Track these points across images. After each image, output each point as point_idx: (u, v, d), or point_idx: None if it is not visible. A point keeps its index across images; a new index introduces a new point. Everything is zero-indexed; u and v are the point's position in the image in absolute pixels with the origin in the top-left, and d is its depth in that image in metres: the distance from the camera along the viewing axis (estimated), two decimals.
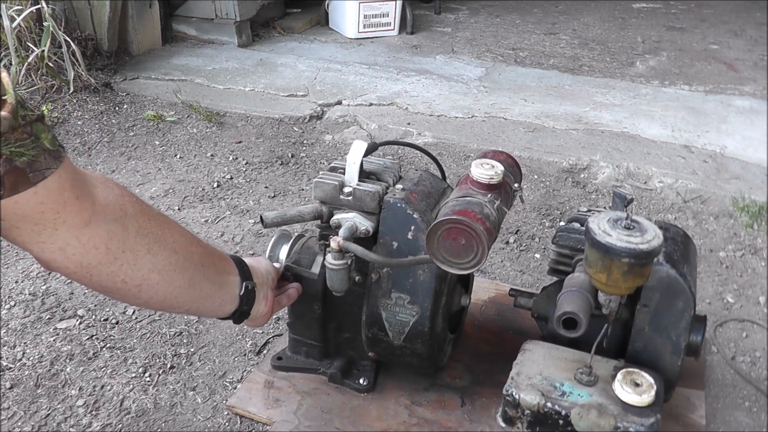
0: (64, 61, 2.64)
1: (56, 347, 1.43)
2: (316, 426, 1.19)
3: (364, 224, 1.11)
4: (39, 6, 2.56)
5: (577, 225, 1.15)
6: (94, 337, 1.45)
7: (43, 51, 2.54)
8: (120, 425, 1.24)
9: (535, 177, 2.17)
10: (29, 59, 2.54)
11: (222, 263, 1.03)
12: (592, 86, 2.93)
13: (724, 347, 1.46)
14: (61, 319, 1.51)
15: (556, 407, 0.98)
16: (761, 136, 2.41)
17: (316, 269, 1.18)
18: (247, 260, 1.10)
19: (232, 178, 2.16)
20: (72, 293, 1.59)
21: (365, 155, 1.14)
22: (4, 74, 0.69)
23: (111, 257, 0.82)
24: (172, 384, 1.34)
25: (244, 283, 1.05)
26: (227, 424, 1.24)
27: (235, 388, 1.31)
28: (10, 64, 2.51)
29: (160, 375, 1.36)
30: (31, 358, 1.40)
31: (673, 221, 1.91)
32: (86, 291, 1.59)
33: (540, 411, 0.99)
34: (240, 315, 1.07)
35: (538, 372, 1.03)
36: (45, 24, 2.55)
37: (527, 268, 1.73)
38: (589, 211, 1.17)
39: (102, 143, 2.40)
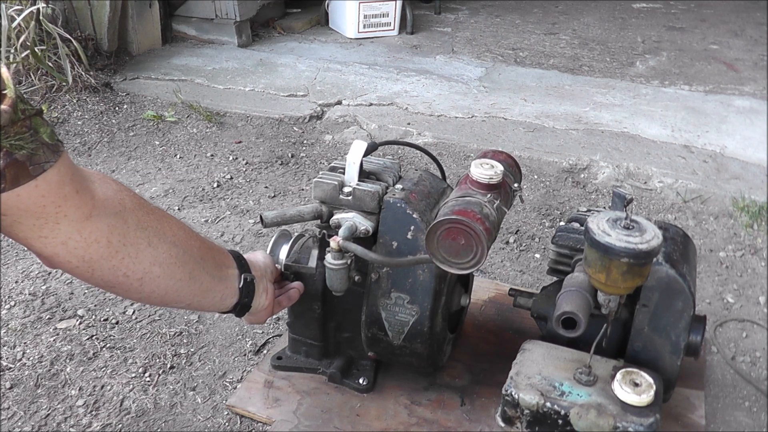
0: (63, 60, 2.64)
1: (56, 347, 1.43)
2: (316, 425, 1.19)
3: (364, 224, 1.11)
4: (38, 6, 2.56)
5: (576, 225, 1.15)
6: (94, 337, 1.46)
7: (41, 50, 2.54)
8: (120, 425, 1.24)
9: (535, 177, 2.17)
10: (26, 57, 2.54)
11: (220, 257, 1.03)
12: (592, 86, 2.93)
13: (724, 347, 1.46)
14: (61, 319, 1.51)
15: (555, 407, 0.98)
16: (761, 136, 2.41)
17: (312, 263, 1.18)
18: (245, 255, 1.10)
19: (232, 178, 2.16)
20: (72, 293, 1.59)
21: (365, 155, 1.14)
22: (4, 69, 0.70)
23: (112, 251, 0.82)
24: (172, 384, 1.34)
25: (242, 276, 1.05)
26: (227, 423, 1.24)
27: (235, 387, 1.31)
28: (8, 62, 2.51)
29: (160, 375, 1.36)
30: (31, 358, 1.40)
31: (673, 221, 1.91)
32: (86, 291, 1.59)
33: (539, 411, 0.99)
34: (241, 308, 1.07)
35: (538, 372, 1.03)
36: (44, 24, 2.55)
37: (527, 268, 1.73)
38: (588, 211, 1.17)
39: (102, 143, 2.40)
